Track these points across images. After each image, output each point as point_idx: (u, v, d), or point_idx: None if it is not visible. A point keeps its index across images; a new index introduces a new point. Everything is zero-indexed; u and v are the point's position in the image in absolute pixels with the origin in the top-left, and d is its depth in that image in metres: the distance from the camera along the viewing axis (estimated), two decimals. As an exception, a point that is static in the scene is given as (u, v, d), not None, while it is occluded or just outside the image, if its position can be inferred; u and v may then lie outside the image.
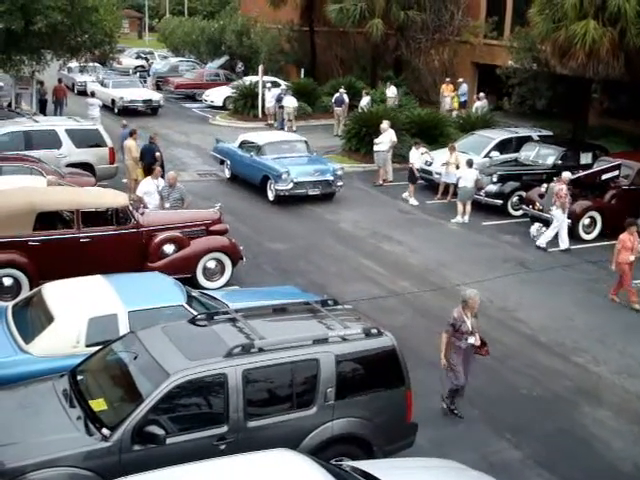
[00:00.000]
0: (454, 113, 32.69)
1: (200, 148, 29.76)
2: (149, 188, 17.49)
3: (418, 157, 22.96)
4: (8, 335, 10.48)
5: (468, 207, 20.89)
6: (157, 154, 20.73)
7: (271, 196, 22.07)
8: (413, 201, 22.59)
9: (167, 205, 16.85)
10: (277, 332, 9.25)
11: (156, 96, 37.74)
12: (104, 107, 34.85)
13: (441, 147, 25.29)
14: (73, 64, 40.55)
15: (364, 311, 11.75)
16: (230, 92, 37.94)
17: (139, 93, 37.55)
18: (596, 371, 13.03)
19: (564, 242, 18.80)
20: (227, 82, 41.19)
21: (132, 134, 21.67)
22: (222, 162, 25.17)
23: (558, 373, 12.86)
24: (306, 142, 24.10)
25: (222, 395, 8.47)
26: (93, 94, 35.58)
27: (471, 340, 11.15)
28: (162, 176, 18.76)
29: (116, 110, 36.40)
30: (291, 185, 21.64)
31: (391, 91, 33.16)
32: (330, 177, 22.24)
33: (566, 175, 18.97)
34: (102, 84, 38.92)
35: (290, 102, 33.15)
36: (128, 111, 35.80)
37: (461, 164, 21.68)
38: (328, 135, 31.94)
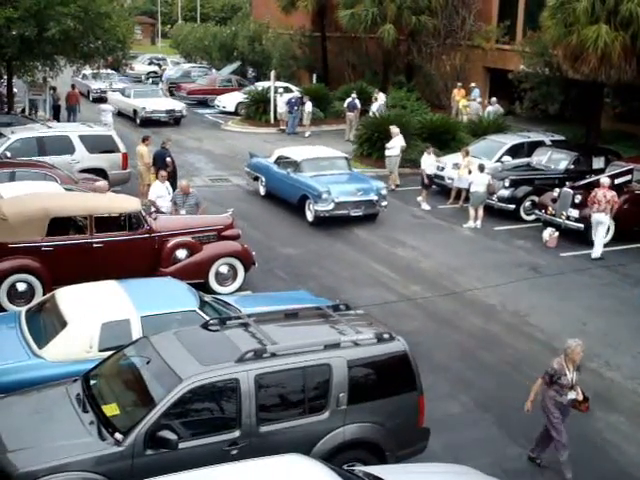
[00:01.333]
0: (465, 118, 32.65)
1: (212, 153, 29.85)
2: (161, 191, 17.65)
3: (431, 163, 22.85)
4: (22, 340, 10.53)
5: (480, 212, 20.85)
6: (167, 159, 20.77)
7: (310, 217, 20.53)
8: (425, 206, 22.58)
9: (182, 212, 16.93)
10: (289, 337, 9.25)
11: (179, 106, 36.43)
12: (125, 117, 34.55)
13: (452, 152, 25.27)
14: (88, 71, 40.83)
15: (376, 316, 11.72)
16: (242, 98, 38.05)
17: (162, 103, 36.25)
18: (609, 376, 12.98)
19: (600, 248, 18.64)
20: (239, 88, 41.32)
21: (145, 140, 21.73)
22: (256, 178, 23.60)
23: (571, 378, 12.79)
24: (347, 158, 22.61)
25: (234, 400, 8.48)
26: (106, 100, 35.52)
27: (572, 395, 10.24)
28: (171, 180, 18.90)
29: (138, 121, 35.12)
30: (332, 205, 20.08)
31: (380, 98, 33.16)
32: (374, 197, 20.64)
33: (606, 180, 18.88)
34: (123, 93, 37.63)
35: (308, 107, 33.62)
36: (150, 122, 34.51)
37: (473, 169, 21.64)
38: (340, 140, 31.93)
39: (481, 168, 20.95)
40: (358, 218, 20.59)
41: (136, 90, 37.70)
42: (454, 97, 35.12)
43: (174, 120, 35.73)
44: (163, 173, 18.49)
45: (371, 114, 30.23)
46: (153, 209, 16.69)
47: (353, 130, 31.81)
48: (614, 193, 18.59)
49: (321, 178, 20.85)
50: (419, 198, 22.87)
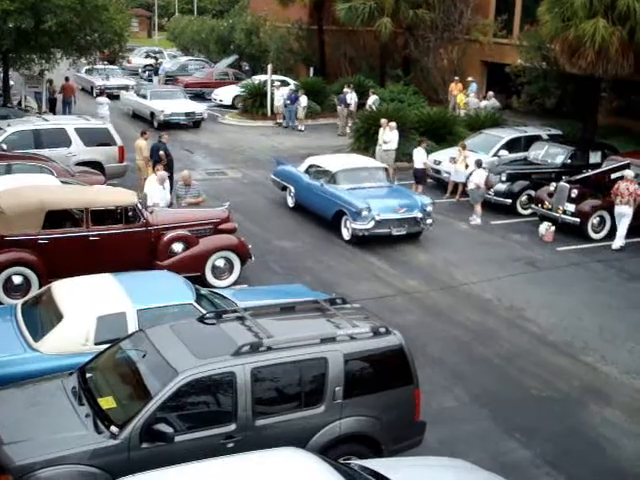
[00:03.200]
0: (462, 112, 32.63)
1: (209, 147, 29.83)
2: (156, 185, 17.59)
3: (423, 157, 22.74)
4: (17, 333, 10.52)
5: (478, 207, 20.84)
6: (161, 153, 20.70)
7: (346, 235, 18.63)
8: None
9: (183, 204, 16.92)
10: (285, 331, 9.25)
11: (199, 108, 34.04)
12: (141, 119, 33.47)
13: (450, 146, 25.26)
14: (90, 66, 40.54)
15: (372, 310, 11.74)
16: (239, 91, 37.99)
17: (181, 105, 33.56)
18: (605, 371, 12.99)
19: (620, 240, 18.80)
20: (236, 81, 41.27)
21: (143, 134, 21.69)
22: (284, 188, 21.60)
23: (567, 373, 12.84)
24: (386, 169, 20.56)
25: (230, 393, 8.49)
26: (102, 93, 35.14)
27: None
28: (170, 176, 18.88)
29: (155, 124, 32.34)
30: (372, 224, 18.05)
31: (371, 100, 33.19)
32: (418, 214, 18.60)
33: (630, 173, 18.93)
34: (139, 94, 35.33)
35: (303, 101, 33.59)
36: (169, 125, 32.11)
37: (470, 163, 21.64)
38: (334, 134, 32.12)
39: (478, 164, 20.92)
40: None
41: (153, 91, 35.00)
42: (451, 91, 35.10)
43: (193, 123, 33.67)
44: (159, 167, 18.40)
45: (367, 108, 30.19)
46: (151, 203, 16.66)
47: (341, 123, 32.32)
48: (637, 186, 18.72)
49: (359, 192, 18.89)
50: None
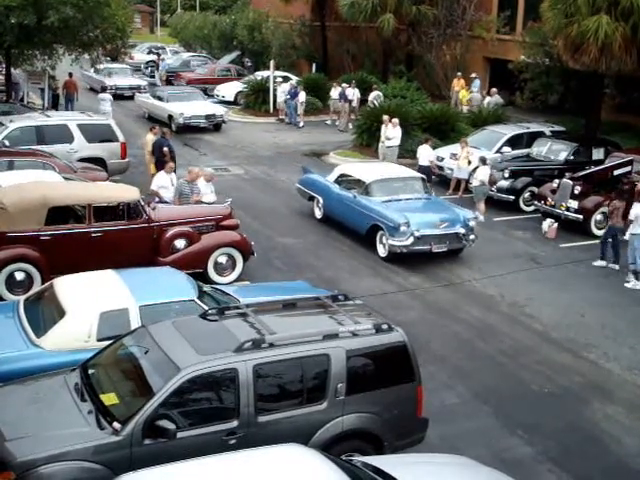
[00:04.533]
0: (464, 108, 32.62)
1: (212, 143, 29.80)
2: (164, 182, 17.46)
3: (427, 155, 22.66)
4: (20, 329, 10.52)
5: (482, 205, 20.81)
6: (164, 149, 20.68)
7: (382, 252, 17.31)
8: None
9: (191, 201, 16.88)
10: (288, 327, 9.25)
11: (219, 110, 32.56)
12: (158, 122, 31.45)
13: (452, 142, 25.23)
14: (101, 65, 40.21)
15: (375, 306, 11.73)
16: (241, 87, 37.95)
17: (200, 107, 32.10)
18: (607, 367, 12.99)
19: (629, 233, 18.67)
20: (238, 77, 41.23)
21: (152, 129, 21.67)
22: (311, 198, 20.25)
23: (569, 369, 12.84)
24: (423, 179, 19.04)
25: (233, 390, 8.48)
26: (104, 89, 34.92)
27: None
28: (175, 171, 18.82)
29: (174, 128, 30.31)
30: (411, 240, 16.65)
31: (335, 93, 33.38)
32: (460, 229, 17.22)
33: None
34: (155, 96, 33.58)
35: (301, 97, 33.52)
36: (188, 129, 30.95)
37: (473, 160, 21.60)
38: (334, 130, 32.20)
39: (483, 161, 20.84)
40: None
41: (171, 93, 33.28)
42: (454, 87, 35.08)
43: (214, 126, 32.10)
44: (171, 164, 18.11)
45: (370, 104, 30.17)
46: (157, 199, 16.67)
47: (341, 120, 32.56)
48: None
49: (395, 204, 17.55)
50: None
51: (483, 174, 20.54)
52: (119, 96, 37.47)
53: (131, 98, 36.65)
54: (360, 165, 21.06)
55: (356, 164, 21.50)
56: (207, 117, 31.75)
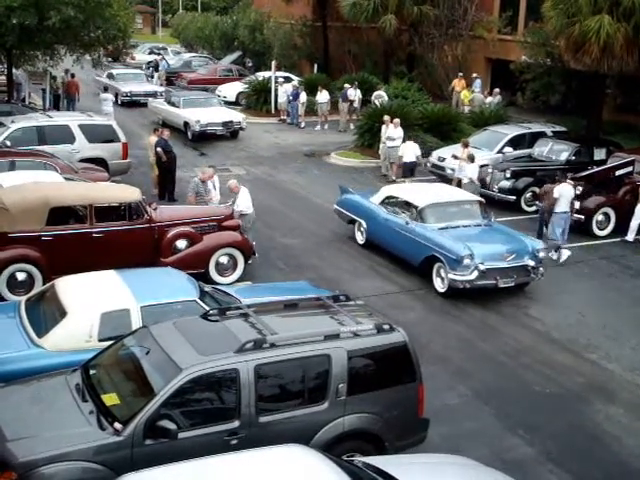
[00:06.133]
0: (465, 108, 32.63)
1: (212, 143, 29.76)
2: (200, 188, 17.43)
3: (415, 150, 23.13)
4: (21, 329, 10.53)
5: None
6: (158, 149, 20.67)
7: (440, 287, 15.46)
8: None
9: (210, 198, 17.06)
10: (289, 328, 9.25)
11: (237, 116, 30.68)
12: (174, 129, 28.88)
13: (454, 143, 25.23)
14: (115, 70, 39.89)
15: (376, 307, 11.73)
16: (243, 88, 37.96)
17: (217, 114, 30.23)
18: (609, 368, 12.98)
19: (633, 233, 19.05)
20: (240, 78, 41.24)
21: (156, 130, 21.68)
22: (351, 221, 18.49)
23: (571, 370, 12.83)
24: (480, 202, 17.12)
25: (234, 390, 8.48)
26: (106, 89, 34.73)
27: None
28: (170, 171, 18.86)
29: (190, 135, 29.31)
30: (475, 274, 14.87)
31: (323, 96, 33.30)
32: (529, 261, 15.38)
33: None
34: (169, 102, 31.74)
35: (302, 97, 33.51)
36: (204, 136, 29.31)
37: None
38: (337, 130, 32.27)
39: (471, 158, 20.90)
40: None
41: (186, 98, 31.22)
42: (454, 87, 35.10)
43: (231, 133, 30.45)
44: (211, 170, 17.92)
45: (372, 104, 30.18)
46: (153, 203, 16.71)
47: (342, 120, 32.64)
48: None
49: (454, 232, 15.74)
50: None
51: (471, 172, 20.56)
52: (134, 103, 36.34)
53: (146, 105, 34.80)
54: (409, 186, 19.13)
55: (404, 185, 19.43)
56: (224, 124, 29.95)
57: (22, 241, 13.79)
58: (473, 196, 17.65)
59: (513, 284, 15.34)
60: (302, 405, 8.84)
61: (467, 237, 15.52)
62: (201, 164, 25.70)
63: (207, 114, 29.70)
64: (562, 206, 17.54)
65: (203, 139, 29.13)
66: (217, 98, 33.16)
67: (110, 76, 38.60)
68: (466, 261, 14.80)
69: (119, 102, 36.55)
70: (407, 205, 16.77)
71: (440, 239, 15.46)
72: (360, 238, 18.14)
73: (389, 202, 17.35)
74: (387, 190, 17.93)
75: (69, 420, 8.35)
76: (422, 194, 17.12)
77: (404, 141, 23.85)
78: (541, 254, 15.58)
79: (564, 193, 17.62)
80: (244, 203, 16.66)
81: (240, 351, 8.57)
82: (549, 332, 14.17)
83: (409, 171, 23.12)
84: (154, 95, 36.20)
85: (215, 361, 8.46)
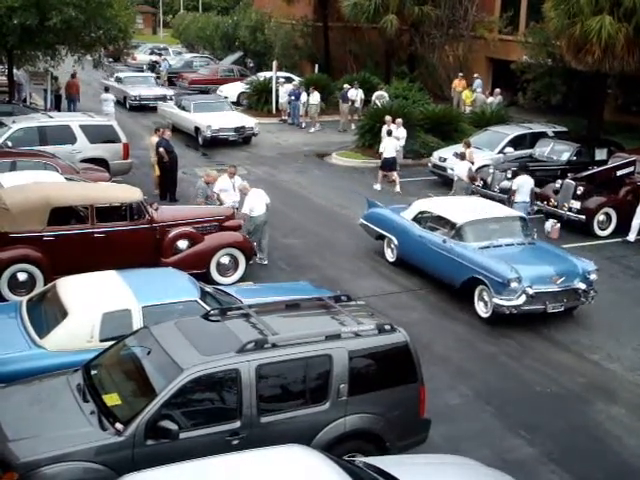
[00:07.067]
0: (466, 109, 32.63)
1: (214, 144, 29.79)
2: (225, 185, 17.47)
3: (395, 145, 23.32)
4: (22, 330, 10.53)
5: None
6: (160, 149, 20.67)
7: (483, 312, 14.35)
8: (378, 186, 23.21)
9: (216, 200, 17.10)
10: (290, 328, 9.24)
11: (249, 122, 29.73)
12: (185, 135, 29.40)
13: (455, 143, 25.24)
14: (123, 74, 39.78)
15: (377, 307, 11.73)
16: (244, 88, 37.96)
17: (229, 119, 29.28)
18: (610, 368, 12.96)
19: (634, 233, 19.06)
20: (241, 78, 41.24)
21: (157, 131, 21.67)
22: (380, 237, 17.39)
23: (572, 370, 12.81)
24: (523, 218, 16.03)
25: (235, 390, 8.48)
26: (107, 89, 34.59)
27: None
28: (170, 171, 18.85)
29: (201, 141, 28.53)
30: (523, 299, 13.74)
31: (314, 97, 33.34)
32: (580, 284, 14.27)
33: None
34: (179, 106, 30.80)
35: (303, 98, 33.47)
36: (216, 142, 28.54)
37: (476, 160, 21.62)
38: (337, 130, 32.31)
39: (461, 156, 20.98)
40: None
41: (197, 103, 30.16)
42: (455, 88, 35.11)
43: (243, 139, 29.47)
44: (232, 170, 17.86)
45: (373, 104, 30.19)
46: (217, 202, 16.91)
47: (343, 120, 32.74)
48: None
49: (496, 252, 14.59)
50: (377, 185, 23.27)
51: (460, 170, 20.59)
52: (143, 107, 35.78)
53: (156, 110, 34.13)
54: (443, 200, 17.81)
55: (438, 199, 18.21)
56: (236, 129, 28.94)
57: (23, 241, 13.79)
58: (514, 212, 16.58)
59: (563, 309, 14.29)
60: (303, 405, 8.84)
61: (512, 257, 14.37)
62: (202, 164, 25.77)
63: (219, 119, 28.83)
64: (522, 196, 18.67)
65: (212, 144, 28.50)
66: (229, 102, 32.40)
67: (118, 80, 38.19)
68: (513, 284, 13.69)
69: (127, 106, 36.12)
70: (444, 221, 15.59)
71: (483, 260, 14.32)
72: (390, 255, 16.99)
73: (423, 217, 16.22)
74: (420, 205, 16.74)
75: (70, 420, 8.35)
76: (459, 209, 15.96)
77: (384, 137, 24.06)
78: (592, 276, 14.52)
79: (523, 184, 18.77)
80: (249, 205, 16.63)
81: (241, 351, 8.57)
82: (551, 332, 14.15)
83: (389, 166, 23.34)
84: (163, 99, 35.44)
85: (216, 361, 8.46)
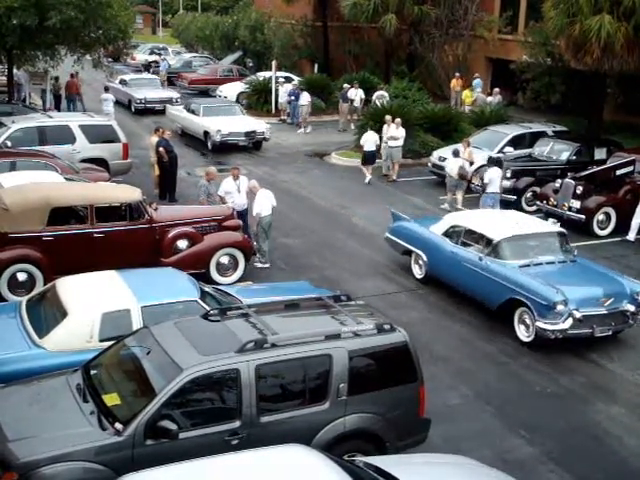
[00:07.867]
0: (466, 108, 32.62)
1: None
2: (230, 188, 17.27)
3: (374, 140, 23.98)
4: (22, 330, 10.53)
5: (459, 196, 21.01)
6: (160, 149, 20.66)
7: (525, 335, 13.39)
8: (368, 179, 23.98)
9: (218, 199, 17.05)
10: (290, 328, 9.25)
11: (261, 126, 28.63)
12: (194, 139, 28.89)
13: (455, 143, 25.22)
14: (128, 76, 39.59)
15: (377, 307, 11.72)
16: (243, 88, 37.94)
17: (239, 123, 28.28)
18: (610, 368, 12.96)
19: (633, 232, 19.13)
20: (240, 78, 41.22)
21: (157, 131, 21.66)
22: (407, 252, 16.39)
23: (572, 370, 12.81)
24: (562, 234, 14.91)
25: (235, 390, 8.48)
26: (107, 89, 34.45)
27: None
28: (170, 172, 18.80)
29: (210, 146, 27.79)
30: (570, 322, 12.74)
31: (304, 98, 33.14)
32: (629, 306, 13.26)
33: None
34: (188, 110, 29.84)
35: (304, 99, 33.43)
36: (225, 148, 27.67)
37: (475, 160, 21.64)
38: (337, 130, 32.32)
39: (455, 153, 21.05)
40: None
41: (206, 106, 29.26)
42: (453, 87, 35.11)
43: (254, 144, 28.54)
44: (235, 171, 17.63)
45: (373, 104, 30.17)
46: (222, 203, 16.86)
47: (342, 120, 32.76)
48: None
49: (539, 271, 13.59)
50: (366, 179, 23.89)
51: (450, 167, 20.70)
52: (148, 110, 35.11)
53: (162, 112, 33.59)
54: (476, 214, 16.77)
55: (471, 213, 17.11)
56: (247, 134, 28.00)
57: (23, 241, 13.79)
58: (553, 227, 15.38)
59: (610, 333, 13.35)
60: (303, 405, 8.84)
61: (555, 277, 13.37)
62: (202, 164, 25.75)
63: (229, 123, 27.90)
64: (492, 187, 19.49)
65: (222, 149, 27.76)
66: (239, 106, 31.47)
67: (123, 82, 37.84)
68: (559, 307, 12.67)
69: (132, 110, 35.57)
70: (478, 237, 14.56)
71: (524, 280, 13.29)
72: (418, 272, 16.01)
73: (455, 232, 15.13)
74: (451, 219, 15.80)
75: (70, 420, 8.35)
76: (495, 224, 14.80)
77: (366, 131, 24.78)
78: None
79: (493, 176, 19.55)
80: (259, 206, 16.56)
81: (241, 351, 8.57)
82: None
83: (370, 159, 24.04)
84: (170, 101, 34.77)
85: (216, 361, 8.46)
